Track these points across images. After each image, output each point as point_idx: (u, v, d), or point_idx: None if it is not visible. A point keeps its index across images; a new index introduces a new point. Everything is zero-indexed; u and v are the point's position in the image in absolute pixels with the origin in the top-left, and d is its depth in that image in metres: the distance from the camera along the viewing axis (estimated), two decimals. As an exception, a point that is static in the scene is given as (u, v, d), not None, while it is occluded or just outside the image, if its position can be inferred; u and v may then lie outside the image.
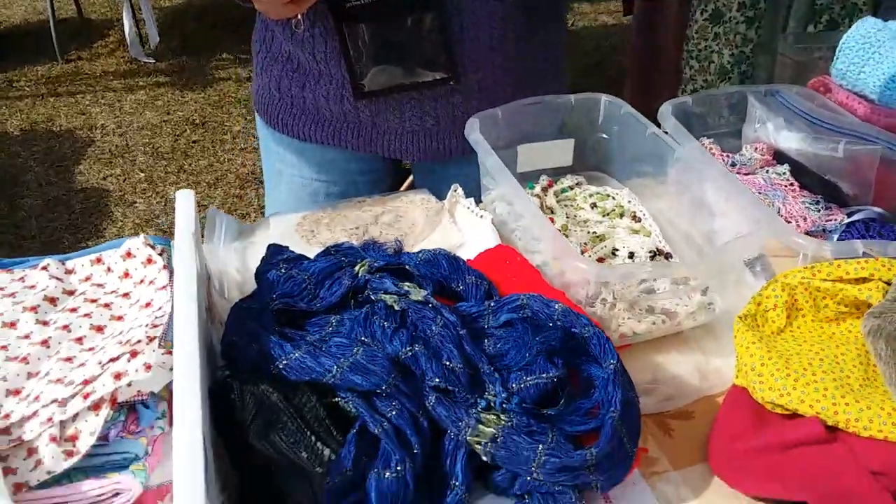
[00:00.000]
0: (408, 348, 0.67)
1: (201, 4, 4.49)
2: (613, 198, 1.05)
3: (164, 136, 3.18)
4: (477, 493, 0.67)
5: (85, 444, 0.63)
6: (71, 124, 3.27)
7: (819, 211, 0.98)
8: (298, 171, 1.17)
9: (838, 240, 0.93)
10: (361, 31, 0.98)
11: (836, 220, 0.97)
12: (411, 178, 1.37)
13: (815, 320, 0.82)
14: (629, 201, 1.04)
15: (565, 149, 1.09)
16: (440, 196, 1.06)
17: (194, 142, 3.14)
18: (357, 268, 0.76)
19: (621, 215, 1.02)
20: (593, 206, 1.04)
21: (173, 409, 0.56)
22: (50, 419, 0.64)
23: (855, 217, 0.96)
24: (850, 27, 1.16)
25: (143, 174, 2.92)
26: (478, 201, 1.03)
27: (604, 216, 1.02)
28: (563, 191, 1.07)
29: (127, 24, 3.70)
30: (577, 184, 1.08)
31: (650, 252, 0.94)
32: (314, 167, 1.16)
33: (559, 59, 1.18)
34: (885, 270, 0.82)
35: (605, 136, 1.08)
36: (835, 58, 1.14)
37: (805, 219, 0.95)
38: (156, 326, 0.72)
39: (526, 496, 0.66)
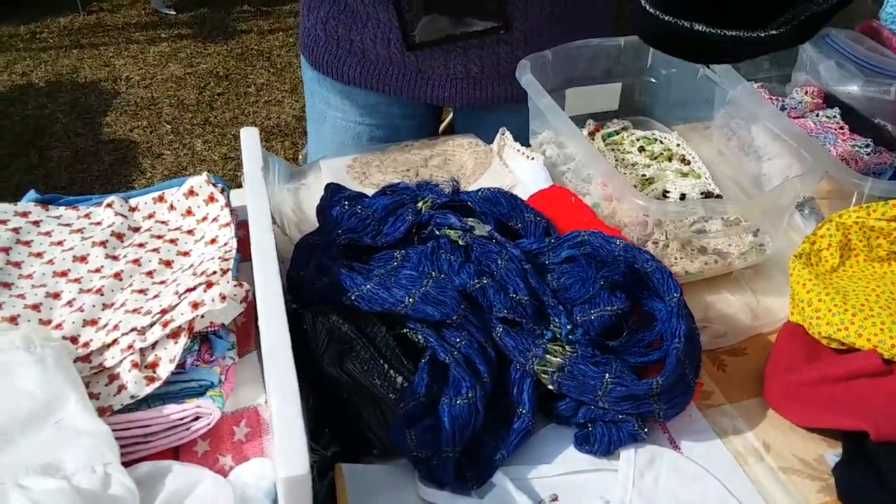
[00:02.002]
0: (475, 281, 0.69)
1: (221, -45, 4.43)
2: (661, 141, 1.05)
3: (188, 89, 3.17)
4: (540, 422, 0.69)
5: (165, 370, 0.65)
6: (96, 76, 3.27)
7: (869, 154, 0.97)
8: (342, 113, 1.17)
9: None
10: None
11: (886, 162, 0.97)
12: (450, 117, 1.36)
13: (868, 259, 0.83)
14: (678, 144, 1.04)
15: (612, 93, 1.09)
16: (484, 141, 1.06)
17: (218, 94, 3.14)
18: (420, 204, 0.77)
19: (669, 158, 1.02)
20: (641, 149, 1.04)
21: (261, 336, 0.57)
22: (130, 346, 0.66)
23: (906, 160, 0.96)
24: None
25: (169, 126, 2.92)
26: (525, 146, 1.04)
27: (652, 159, 1.02)
28: (610, 135, 1.07)
29: (148, -26, 3.67)
30: (623, 128, 1.08)
31: (701, 194, 0.94)
32: (358, 110, 1.16)
33: (607, 8, 1.16)
34: (939, 210, 0.82)
35: (653, 80, 1.08)
36: (884, 2, 1.13)
37: (856, 161, 0.95)
38: (225, 260, 0.73)
39: (589, 424, 0.67)
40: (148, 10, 3.85)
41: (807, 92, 1.05)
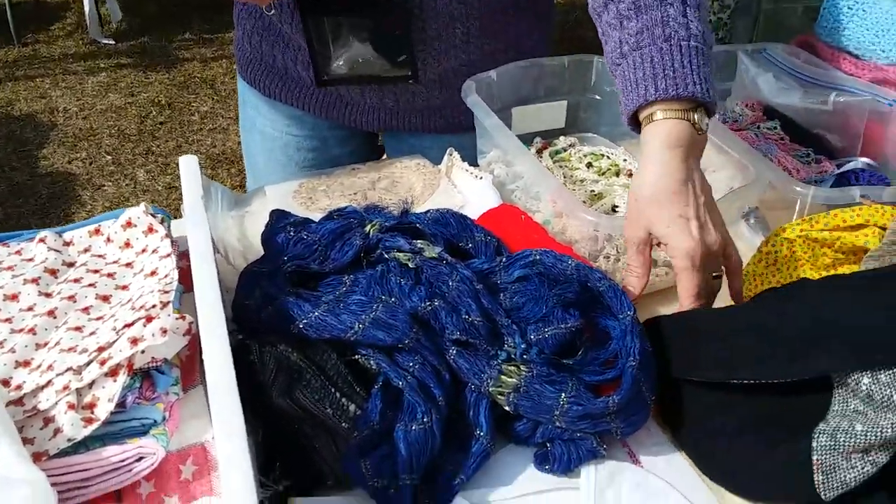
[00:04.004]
0: (426, 303, 0.67)
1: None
2: (608, 157, 1.06)
3: (129, 119, 3.11)
4: (498, 444, 0.68)
5: (104, 410, 0.62)
6: (31, 108, 3.19)
7: (810, 163, 1.00)
8: (271, 122, 1.16)
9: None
10: (324, 23, 0.96)
11: (826, 171, 0.99)
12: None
13: (814, 268, 0.84)
14: (624, 159, 1.05)
15: (558, 110, 1.10)
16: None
17: (161, 123, 3.08)
18: (368, 227, 0.76)
19: (617, 173, 1.03)
20: (588, 165, 1.05)
21: (205, 369, 0.55)
22: (66, 387, 0.63)
23: (845, 168, 0.98)
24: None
25: (109, 157, 2.85)
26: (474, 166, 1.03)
27: (600, 175, 1.03)
28: (558, 152, 1.08)
29: (87, 4, 3.60)
30: (570, 145, 1.09)
31: (650, 207, 0.95)
32: (285, 120, 1.15)
33: (539, 46, 1.11)
34: (879, 216, 0.84)
35: (597, 97, 1.09)
36: (819, 16, 1.16)
37: (798, 171, 0.97)
38: (166, 293, 0.71)
39: (548, 444, 0.66)
40: (86, 40, 3.77)
41: (747, 105, 1.07)
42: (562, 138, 1.10)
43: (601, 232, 0.80)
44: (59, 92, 3.31)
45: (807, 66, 1.09)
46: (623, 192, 0.99)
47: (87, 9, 3.62)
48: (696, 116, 0.72)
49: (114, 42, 3.73)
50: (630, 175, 1.03)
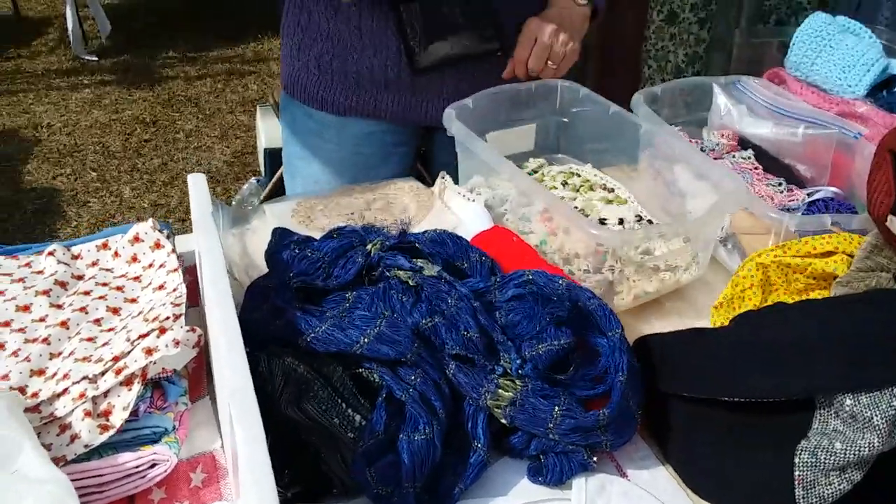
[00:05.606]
0: (427, 319, 0.71)
1: (145, 2, 4.41)
2: (578, 174, 1.10)
3: (114, 135, 3.12)
4: (493, 457, 0.71)
5: (119, 418, 0.65)
6: (14, 123, 3.18)
7: (782, 192, 1.05)
8: (337, 145, 1.22)
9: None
10: (415, 8, 1.05)
11: (797, 199, 1.04)
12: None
13: (788, 293, 0.89)
14: (595, 175, 1.10)
15: (528, 134, 1.15)
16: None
17: (146, 140, 3.10)
18: (369, 246, 0.79)
19: (591, 188, 1.07)
20: (564, 183, 1.09)
21: (217, 377, 0.58)
22: (82, 395, 0.65)
23: (815, 196, 1.04)
24: (797, 24, 1.25)
25: (94, 173, 2.86)
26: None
27: (575, 191, 1.07)
28: (530, 174, 1.12)
29: (70, 20, 3.61)
30: (540, 166, 1.14)
31: (636, 217, 0.99)
32: (353, 140, 1.22)
33: None
34: (847, 244, 0.89)
35: (564, 119, 1.15)
36: (789, 51, 1.23)
37: (772, 198, 1.02)
38: (177, 306, 0.74)
39: (541, 456, 0.70)
40: (68, 56, 3.78)
41: (723, 135, 1.13)
42: (531, 160, 1.14)
43: (605, 245, 0.85)
44: (42, 107, 3.31)
45: (777, 98, 1.15)
46: (604, 206, 1.03)
47: (69, 25, 3.64)
48: None
49: (97, 59, 3.75)
50: (604, 188, 1.07)
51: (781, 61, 1.26)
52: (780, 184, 1.06)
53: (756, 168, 1.09)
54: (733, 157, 1.11)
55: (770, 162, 1.11)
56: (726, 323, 0.84)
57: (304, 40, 1.17)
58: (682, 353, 0.72)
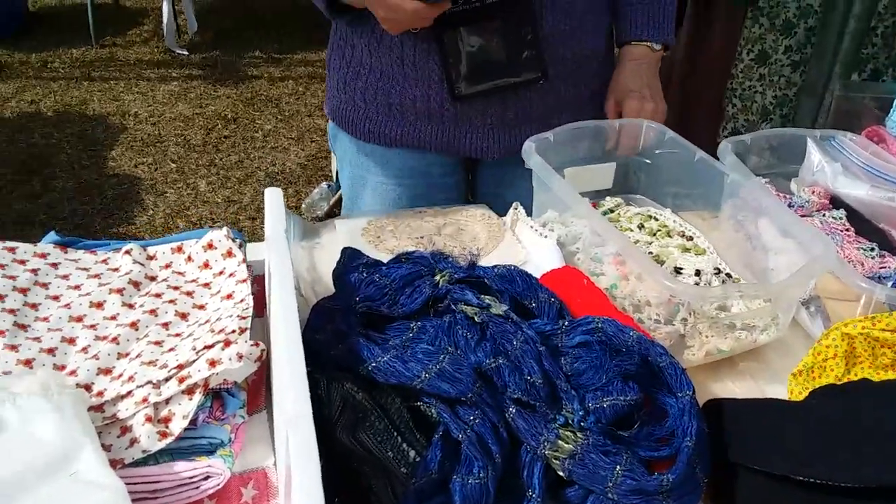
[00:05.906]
0: (491, 360, 0.69)
1: (236, 2, 4.54)
2: (656, 218, 1.07)
3: (195, 129, 3.21)
4: (547, 506, 0.69)
5: (178, 426, 0.65)
6: (104, 109, 3.31)
7: (874, 258, 1.00)
8: (384, 178, 1.22)
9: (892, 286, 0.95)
10: (460, 35, 1.04)
11: (889, 267, 0.99)
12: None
13: (873, 367, 0.84)
14: (674, 220, 1.06)
15: (608, 172, 1.12)
16: (503, 205, 1.10)
17: (225, 137, 3.18)
18: (437, 277, 0.78)
19: (668, 234, 1.04)
20: (640, 226, 1.06)
21: (276, 397, 0.57)
22: (145, 399, 0.66)
23: (909, 266, 0.98)
24: (892, 77, 1.19)
25: (174, 165, 2.95)
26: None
27: (651, 236, 1.04)
28: (605, 213, 1.09)
29: (166, 12, 3.74)
30: (617, 205, 1.11)
31: (715, 269, 0.96)
32: (397, 172, 1.21)
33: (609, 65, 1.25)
34: (941, 321, 0.84)
35: (646, 160, 1.12)
36: (892, 109, 1.17)
37: (862, 264, 0.97)
38: (243, 318, 0.74)
39: (596, 513, 0.67)
40: (161, 48, 3.91)
41: (813, 192, 1.08)
42: (608, 199, 1.12)
43: (678, 299, 0.82)
44: (131, 96, 3.43)
45: (875, 160, 1.10)
46: (680, 255, 1.00)
47: (165, 18, 3.77)
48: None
49: (187, 53, 3.87)
50: (683, 235, 1.04)
51: (880, 117, 1.21)
52: (872, 249, 1.01)
53: (847, 230, 1.04)
54: (823, 215, 1.07)
55: (863, 224, 1.06)
56: (804, 392, 0.80)
57: (349, 75, 1.18)
58: (757, 423, 0.69)
